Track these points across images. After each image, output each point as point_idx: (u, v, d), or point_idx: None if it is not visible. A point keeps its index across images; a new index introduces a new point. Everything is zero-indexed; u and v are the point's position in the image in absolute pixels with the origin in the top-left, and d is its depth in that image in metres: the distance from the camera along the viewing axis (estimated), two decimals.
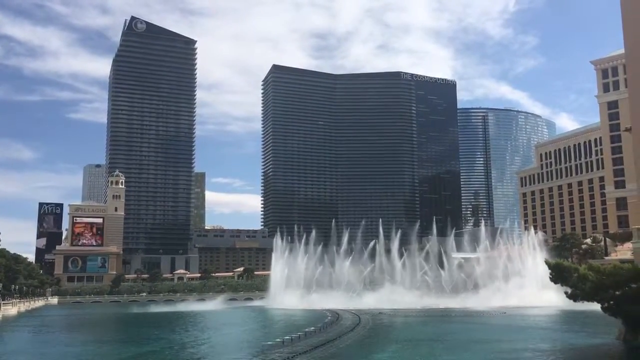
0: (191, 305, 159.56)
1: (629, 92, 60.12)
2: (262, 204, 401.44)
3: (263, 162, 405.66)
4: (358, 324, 75.75)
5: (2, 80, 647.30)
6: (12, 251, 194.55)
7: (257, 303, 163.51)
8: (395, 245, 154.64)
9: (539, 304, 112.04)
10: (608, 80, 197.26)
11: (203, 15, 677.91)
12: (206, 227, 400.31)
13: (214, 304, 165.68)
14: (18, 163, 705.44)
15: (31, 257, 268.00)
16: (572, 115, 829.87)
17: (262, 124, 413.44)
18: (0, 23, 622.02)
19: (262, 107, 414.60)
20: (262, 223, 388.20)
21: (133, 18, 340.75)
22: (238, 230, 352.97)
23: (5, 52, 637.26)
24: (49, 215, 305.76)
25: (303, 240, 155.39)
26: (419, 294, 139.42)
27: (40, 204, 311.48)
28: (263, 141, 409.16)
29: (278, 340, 53.93)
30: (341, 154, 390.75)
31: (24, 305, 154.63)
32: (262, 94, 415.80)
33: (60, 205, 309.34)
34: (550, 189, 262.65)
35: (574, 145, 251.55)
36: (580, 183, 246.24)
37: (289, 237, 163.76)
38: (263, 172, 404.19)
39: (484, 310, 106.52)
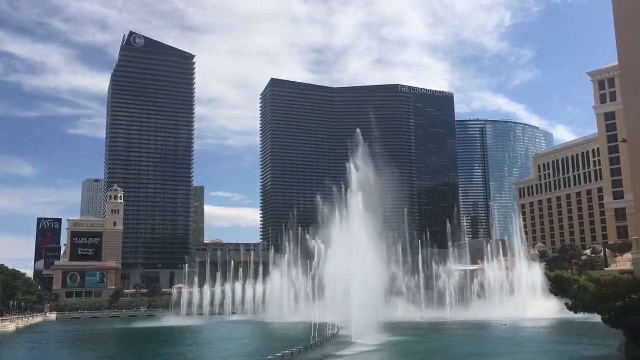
0: (190, 320, 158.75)
1: (624, 104, 60.55)
2: (261, 217, 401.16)
3: (262, 176, 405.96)
4: (357, 337, 75.29)
5: (2, 96, 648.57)
6: (10, 267, 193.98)
7: (256, 317, 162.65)
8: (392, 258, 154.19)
9: (538, 315, 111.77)
10: (605, 92, 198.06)
11: (201, 31, 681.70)
12: (205, 241, 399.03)
13: (212, 318, 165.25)
14: (18, 179, 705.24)
15: (30, 273, 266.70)
16: (569, 127, 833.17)
17: (261, 138, 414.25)
18: (1, 41, 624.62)
19: (261, 121, 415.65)
20: (262, 237, 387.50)
21: (132, 33, 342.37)
22: (237, 244, 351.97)
23: (6, 69, 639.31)
24: (47, 231, 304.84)
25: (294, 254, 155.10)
26: (419, 306, 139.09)
27: (39, 220, 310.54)
28: (262, 155, 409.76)
29: (278, 354, 53.69)
30: (340, 167, 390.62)
31: (22, 322, 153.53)
32: (261, 108, 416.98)
33: (59, 221, 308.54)
34: (549, 200, 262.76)
35: (572, 156, 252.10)
36: (579, 194, 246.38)
37: (287, 239, 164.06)
38: (262, 186, 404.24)
39: (484, 323, 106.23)
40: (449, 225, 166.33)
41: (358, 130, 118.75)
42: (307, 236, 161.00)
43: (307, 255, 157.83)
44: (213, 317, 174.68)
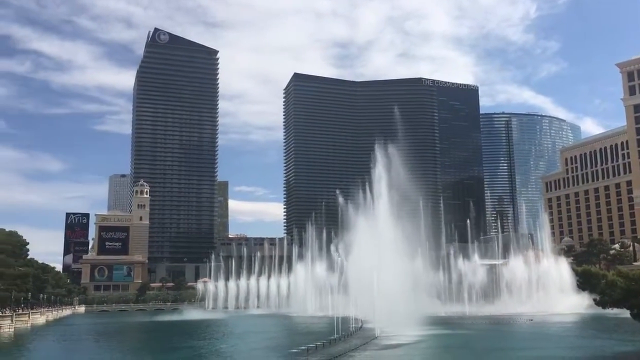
0: (215, 314, 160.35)
1: None
2: (284, 211, 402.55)
3: (285, 170, 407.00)
4: (382, 331, 75.27)
5: (31, 94, 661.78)
6: (40, 261, 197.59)
7: (279, 311, 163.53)
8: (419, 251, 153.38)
9: (566, 310, 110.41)
10: (634, 83, 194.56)
11: (225, 27, 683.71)
12: (230, 236, 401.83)
13: (236, 312, 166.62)
14: (46, 174, 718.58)
15: (59, 267, 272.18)
16: (597, 120, 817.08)
17: (284, 132, 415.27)
18: (29, 39, 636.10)
19: (284, 115, 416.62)
20: (285, 231, 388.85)
21: (156, 30, 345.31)
22: (261, 238, 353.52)
23: (34, 66, 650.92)
24: (75, 225, 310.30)
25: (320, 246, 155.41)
26: (443, 301, 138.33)
27: (67, 214, 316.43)
28: (285, 149, 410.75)
29: (302, 347, 53.98)
30: (363, 161, 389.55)
31: (51, 314, 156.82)
32: (284, 102, 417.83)
33: (87, 215, 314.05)
34: (577, 194, 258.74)
35: (600, 149, 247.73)
36: (607, 187, 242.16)
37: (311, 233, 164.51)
38: (285, 180, 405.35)
39: (510, 317, 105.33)
40: (471, 219, 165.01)
41: (396, 108, 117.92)
42: (331, 230, 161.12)
43: (331, 249, 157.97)
44: (238, 311, 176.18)
